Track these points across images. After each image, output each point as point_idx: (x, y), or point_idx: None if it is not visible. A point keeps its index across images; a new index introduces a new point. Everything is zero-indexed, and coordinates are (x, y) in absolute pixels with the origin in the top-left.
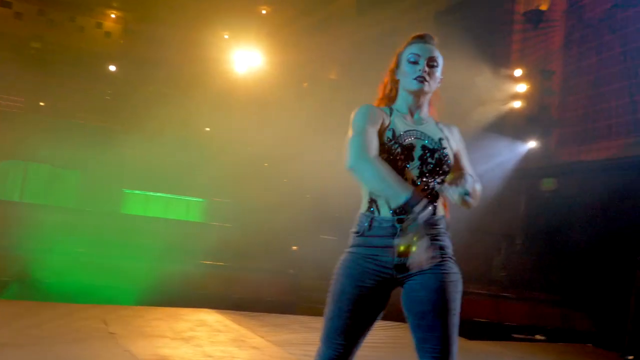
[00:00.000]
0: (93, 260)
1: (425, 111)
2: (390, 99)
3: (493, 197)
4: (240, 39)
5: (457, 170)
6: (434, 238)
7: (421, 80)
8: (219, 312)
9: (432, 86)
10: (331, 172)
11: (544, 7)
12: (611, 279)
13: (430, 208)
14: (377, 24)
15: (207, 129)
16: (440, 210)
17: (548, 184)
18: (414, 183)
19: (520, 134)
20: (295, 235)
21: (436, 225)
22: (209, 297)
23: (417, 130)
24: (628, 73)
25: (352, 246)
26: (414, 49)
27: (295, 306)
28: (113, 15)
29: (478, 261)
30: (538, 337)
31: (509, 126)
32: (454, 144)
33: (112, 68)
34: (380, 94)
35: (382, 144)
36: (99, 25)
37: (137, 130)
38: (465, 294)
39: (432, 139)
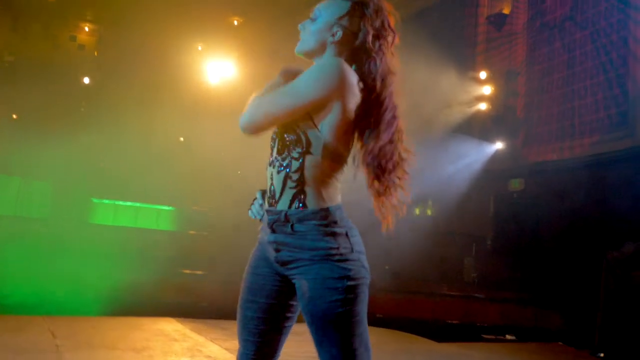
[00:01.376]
0: (59, 273)
1: None
2: None
3: (462, 199)
4: (214, 50)
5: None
6: (305, 235)
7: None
8: (180, 320)
9: (305, 43)
10: None
11: (506, 11)
12: (580, 276)
13: (290, 196)
14: None
15: (181, 138)
16: (315, 201)
17: (515, 184)
18: (272, 164)
19: (487, 135)
20: None
21: (306, 219)
22: (176, 306)
23: None
24: (590, 73)
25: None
26: None
27: None
28: (87, 28)
29: (449, 263)
30: (508, 337)
31: (476, 128)
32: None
33: (87, 80)
34: None
35: None
36: (73, 37)
37: (110, 140)
38: (436, 295)
39: None
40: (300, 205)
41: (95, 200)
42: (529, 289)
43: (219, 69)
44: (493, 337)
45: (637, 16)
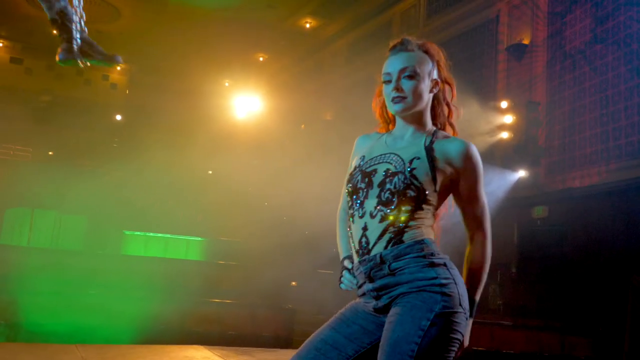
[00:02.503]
0: (92, 303)
1: (423, 125)
2: (387, 121)
3: None
4: (240, 86)
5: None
6: (400, 269)
7: (397, 101)
8: (208, 348)
9: (413, 100)
10: (328, 209)
11: (526, 41)
12: (606, 302)
13: (391, 242)
14: (366, 66)
15: (210, 171)
16: (411, 236)
17: (539, 212)
18: (371, 215)
19: (509, 164)
20: (295, 271)
21: (405, 255)
22: (205, 334)
23: (391, 153)
24: (611, 100)
25: None
26: (385, 67)
27: (292, 341)
28: (119, 68)
29: None
30: None
31: (498, 156)
32: (442, 159)
33: (119, 117)
34: (379, 120)
35: (349, 174)
36: (105, 77)
37: (141, 174)
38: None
39: (402, 160)
40: (397, 242)
41: (127, 233)
42: (555, 315)
43: (245, 103)
44: None
45: None
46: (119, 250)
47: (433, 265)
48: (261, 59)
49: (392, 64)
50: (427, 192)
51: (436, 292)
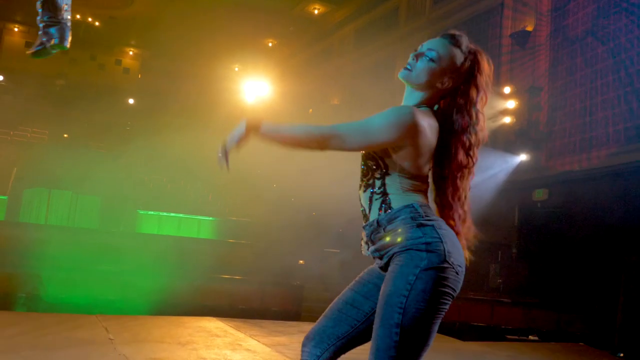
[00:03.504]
0: (109, 276)
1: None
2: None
3: (488, 209)
4: (250, 71)
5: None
6: (393, 230)
7: (403, 70)
8: (221, 319)
9: (415, 77)
10: (335, 191)
11: (529, 28)
12: (601, 281)
13: (382, 208)
14: (374, 52)
15: (220, 154)
16: (399, 201)
17: (539, 194)
18: (360, 187)
19: (512, 148)
20: (302, 249)
21: (395, 218)
22: (216, 308)
23: None
24: (610, 87)
25: None
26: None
27: (300, 315)
28: (131, 53)
29: (475, 270)
30: (531, 337)
31: (501, 140)
32: None
33: (131, 101)
34: None
35: None
36: (118, 62)
37: (154, 156)
38: (463, 299)
39: None
40: (386, 208)
41: (141, 212)
42: (552, 293)
43: (254, 88)
44: (517, 337)
45: None
46: (133, 228)
47: (421, 225)
48: (270, 44)
49: (429, 42)
50: (384, 160)
51: (422, 250)
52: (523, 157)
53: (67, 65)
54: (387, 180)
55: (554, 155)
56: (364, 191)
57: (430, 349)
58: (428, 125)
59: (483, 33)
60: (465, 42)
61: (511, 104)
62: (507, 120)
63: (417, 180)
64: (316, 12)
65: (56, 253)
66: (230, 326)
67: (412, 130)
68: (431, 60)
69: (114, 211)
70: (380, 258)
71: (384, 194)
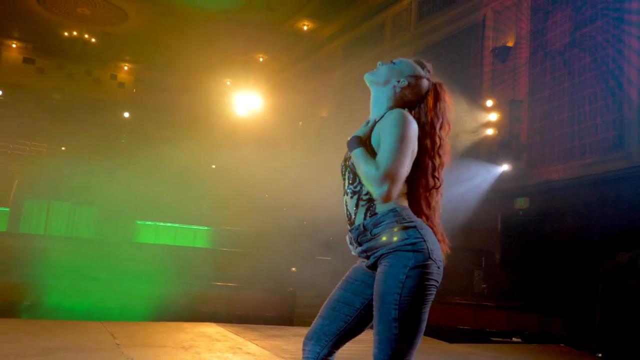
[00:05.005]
0: (108, 285)
1: (379, 112)
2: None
3: (472, 217)
4: (241, 85)
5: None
6: (379, 234)
7: (370, 72)
8: (220, 324)
9: (377, 72)
10: (325, 200)
11: (510, 44)
12: (581, 285)
13: (367, 213)
14: (361, 66)
15: (213, 165)
16: (383, 207)
17: (521, 203)
18: (346, 193)
19: (494, 158)
20: (294, 257)
21: (380, 222)
22: (213, 314)
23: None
24: (588, 99)
25: None
26: None
27: (293, 320)
28: (126, 68)
29: (460, 275)
30: (515, 339)
31: (483, 151)
32: (376, 134)
33: (126, 114)
34: None
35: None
36: (113, 76)
37: (149, 168)
38: (449, 304)
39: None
40: (372, 213)
41: (139, 222)
42: (534, 298)
43: (246, 101)
44: (501, 339)
45: (631, 44)
46: (130, 238)
47: (405, 228)
48: (261, 59)
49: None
50: None
51: (408, 250)
52: (505, 167)
53: (64, 80)
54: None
55: (534, 165)
56: (351, 197)
57: (418, 351)
58: (415, 131)
59: (466, 48)
60: (429, 66)
61: (493, 116)
62: (490, 132)
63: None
64: (305, 28)
65: (57, 262)
66: (230, 331)
67: (414, 136)
68: (392, 62)
69: (111, 221)
70: (367, 258)
71: (370, 200)
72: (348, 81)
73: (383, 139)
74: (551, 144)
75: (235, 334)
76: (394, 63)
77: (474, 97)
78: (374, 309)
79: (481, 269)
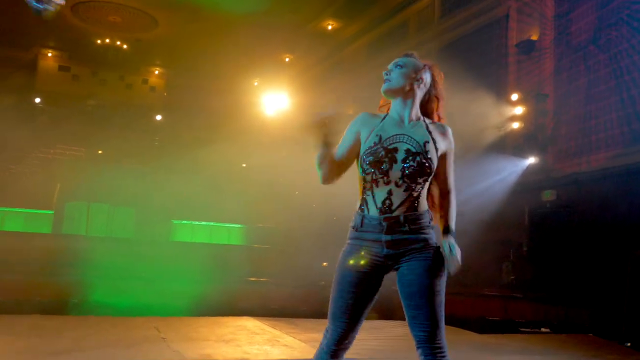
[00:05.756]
0: (149, 283)
1: (415, 114)
2: (388, 107)
3: (500, 210)
4: (269, 85)
5: (440, 171)
6: (416, 231)
7: (384, 82)
8: (257, 318)
9: (395, 82)
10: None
11: (534, 37)
12: (608, 275)
13: (411, 208)
14: (386, 63)
15: (243, 164)
16: (423, 206)
17: (547, 195)
18: (396, 184)
19: (520, 152)
20: (325, 252)
21: (418, 219)
22: (250, 309)
23: (404, 135)
24: (612, 91)
25: (349, 239)
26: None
27: (325, 314)
28: (157, 72)
29: (489, 267)
30: (543, 330)
31: (509, 145)
32: (443, 144)
33: (159, 117)
34: (380, 103)
35: (368, 147)
36: (145, 81)
37: (182, 169)
38: (478, 295)
39: (418, 143)
40: (414, 209)
41: (175, 222)
42: (562, 288)
43: (274, 101)
44: (529, 330)
45: None
46: (167, 237)
47: (431, 228)
48: (287, 59)
49: (392, 62)
50: (434, 168)
51: (435, 246)
52: (531, 160)
53: (98, 86)
54: (426, 185)
55: (560, 158)
56: (405, 190)
57: (448, 341)
58: None
59: (489, 43)
60: (416, 54)
61: (519, 110)
62: (516, 125)
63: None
64: (330, 27)
65: (100, 262)
66: (267, 324)
67: None
68: (400, 66)
69: (148, 222)
70: (391, 247)
71: (418, 197)
72: (372, 79)
73: (450, 162)
74: (577, 136)
75: (272, 327)
76: (401, 66)
77: (499, 92)
78: (422, 292)
79: (509, 261)
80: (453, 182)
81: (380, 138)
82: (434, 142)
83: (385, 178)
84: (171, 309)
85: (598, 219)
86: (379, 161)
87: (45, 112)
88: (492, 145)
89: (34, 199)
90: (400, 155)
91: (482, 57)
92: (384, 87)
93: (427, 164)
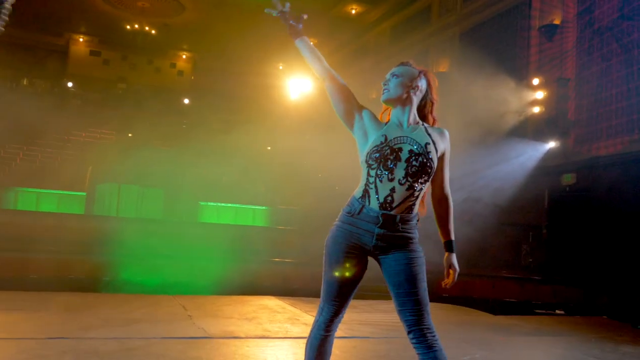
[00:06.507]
0: (176, 262)
1: (413, 118)
2: (389, 112)
3: (520, 193)
4: (293, 69)
5: (438, 172)
6: (405, 231)
7: (383, 92)
8: (279, 297)
9: (393, 92)
10: None
11: (557, 22)
12: (626, 259)
13: (408, 208)
14: (409, 47)
15: (268, 147)
16: (416, 209)
17: (568, 179)
18: (399, 182)
19: (540, 136)
20: None
21: (409, 221)
22: (272, 288)
23: (407, 137)
24: (635, 76)
25: (342, 221)
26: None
27: None
28: (184, 56)
29: (508, 249)
30: (558, 312)
31: (530, 129)
32: (441, 145)
33: (186, 101)
34: (383, 108)
35: (375, 145)
36: (173, 65)
37: (209, 152)
38: (496, 277)
39: (420, 144)
40: (409, 211)
41: (201, 203)
42: (579, 271)
43: (298, 85)
44: (544, 312)
45: None
46: (195, 218)
47: (416, 228)
48: (311, 43)
49: (389, 73)
50: (434, 168)
51: (417, 244)
52: (552, 144)
53: (128, 70)
54: (425, 186)
55: (581, 142)
56: (407, 188)
57: (466, 322)
58: None
59: (512, 27)
60: (412, 62)
61: (540, 94)
62: (537, 110)
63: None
64: (353, 11)
65: (130, 241)
66: (288, 304)
67: None
68: (396, 76)
69: (176, 203)
70: (380, 240)
71: (416, 199)
72: (396, 62)
73: (447, 163)
74: (598, 120)
75: (293, 306)
76: (398, 76)
77: (521, 76)
78: (411, 281)
79: (528, 244)
80: (449, 186)
81: (386, 138)
82: (434, 144)
83: (390, 175)
84: (197, 287)
85: (616, 203)
86: (385, 159)
87: (77, 96)
88: (513, 129)
89: (67, 181)
90: (404, 155)
91: (504, 42)
92: (383, 97)
93: (428, 164)
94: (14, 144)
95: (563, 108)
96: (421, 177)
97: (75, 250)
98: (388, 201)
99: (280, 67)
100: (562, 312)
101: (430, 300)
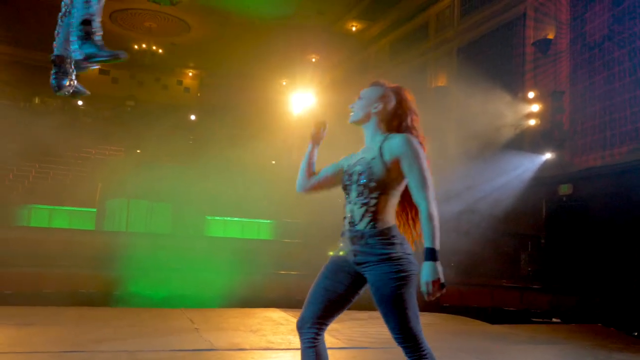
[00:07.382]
0: (184, 275)
1: (376, 134)
2: None
3: (518, 204)
4: (296, 84)
5: (400, 177)
6: (373, 246)
7: (350, 116)
8: (283, 310)
9: (355, 114)
10: None
11: (550, 36)
12: (621, 268)
13: (369, 223)
14: (408, 61)
15: (273, 161)
16: (385, 223)
17: (565, 189)
18: (355, 202)
19: (537, 148)
20: None
21: (377, 235)
22: (277, 300)
23: (359, 159)
24: (627, 88)
25: (340, 242)
26: None
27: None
28: (190, 74)
29: (507, 259)
30: (554, 320)
31: (527, 141)
32: (390, 153)
33: (193, 117)
34: None
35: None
36: (179, 82)
37: (215, 167)
38: (495, 287)
39: (367, 161)
40: (372, 226)
41: (208, 218)
42: (577, 280)
43: (301, 100)
44: (541, 320)
45: None
46: (202, 232)
47: (392, 244)
48: (313, 59)
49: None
50: (385, 182)
51: (394, 259)
52: (548, 155)
53: (136, 88)
54: (383, 198)
55: (577, 153)
56: (359, 207)
57: (462, 331)
58: None
59: (507, 42)
60: (383, 81)
61: (535, 107)
62: (532, 122)
63: (397, 198)
64: (354, 28)
65: (140, 256)
66: (291, 315)
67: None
68: (360, 98)
69: (184, 217)
70: (355, 255)
71: (374, 213)
72: (395, 77)
73: (408, 169)
74: (593, 132)
75: (296, 318)
76: (360, 98)
77: (517, 90)
78: (384, 305)
79: (526, 253)
80: (424, 194)
81: (343, 168)
82: (381, 156)
83: (348, 197)
84: (204, 299)
85: (613, 213)
86: (345, 186)
87: (87, 114)
88: (510, 142)
89: (78, 198)
90: (354, 177)
91: (500, 56)
92: (349, 119)
93: (372, 179)
94: (27, 161)
95: (558, 120)
96: (372, 192)
97: (87, 265)
98: (351, 220)
99: (284, 83)
100: (558, 320)
101: (430, 311)
